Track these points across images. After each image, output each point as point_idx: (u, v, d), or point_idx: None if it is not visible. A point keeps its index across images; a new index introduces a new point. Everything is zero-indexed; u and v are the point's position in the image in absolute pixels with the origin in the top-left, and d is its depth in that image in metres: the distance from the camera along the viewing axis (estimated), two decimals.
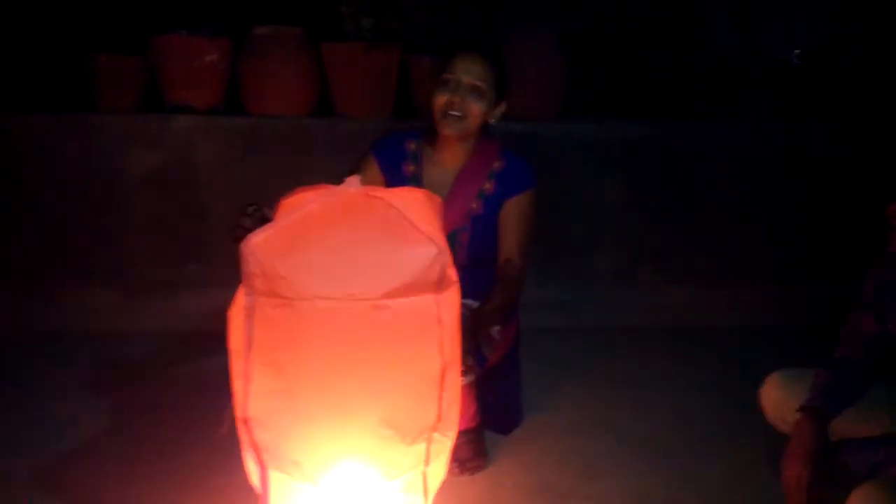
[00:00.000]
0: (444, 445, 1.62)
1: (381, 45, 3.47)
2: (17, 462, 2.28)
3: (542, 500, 2.20)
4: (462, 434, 2.19)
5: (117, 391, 2.78)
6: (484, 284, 2.24)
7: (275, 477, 1.53)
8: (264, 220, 1.74)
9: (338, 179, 1.58)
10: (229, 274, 1.58)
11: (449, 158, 2.33)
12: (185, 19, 3.53)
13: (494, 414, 2.45)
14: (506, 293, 2.23)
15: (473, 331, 2.06)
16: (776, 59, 3.99)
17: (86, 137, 3.39)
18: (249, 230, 1.53)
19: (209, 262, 3.45)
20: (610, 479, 2.30)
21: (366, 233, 1.49)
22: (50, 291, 3.42)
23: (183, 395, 2.73)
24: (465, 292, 1.70)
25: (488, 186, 2.32)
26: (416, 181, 2.30)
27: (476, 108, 2.24)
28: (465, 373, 1.84)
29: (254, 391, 1.46)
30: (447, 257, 1.50)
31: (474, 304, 2.19)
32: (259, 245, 1.44)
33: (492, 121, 2.31)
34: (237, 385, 1.48)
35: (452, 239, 2.23)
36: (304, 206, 1.51)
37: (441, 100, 2.22)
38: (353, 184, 1.55)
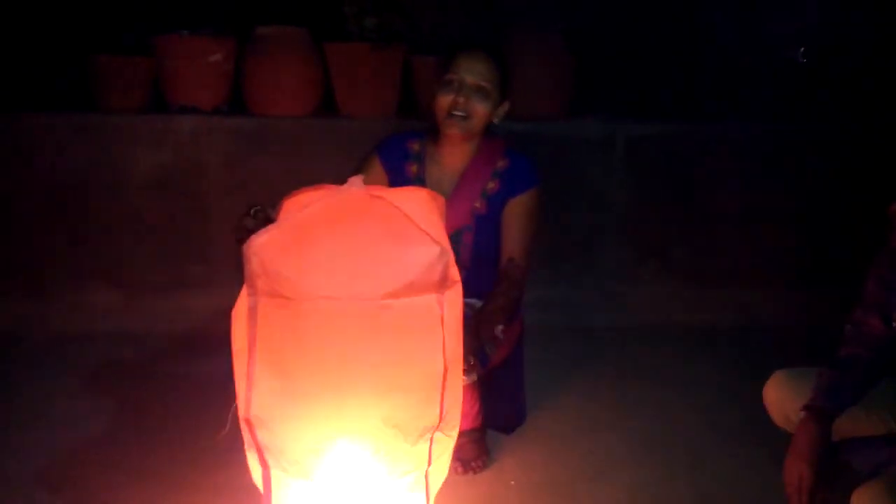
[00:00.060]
0: (447, 445, 1.62)
1: (385, 45, 3.47)
2: (17, 462, 2.29)
3: (545, 499, 2.20)
4: (465, 433, 2.20)
5: (118, 391, 2.79)
6: (487, 284, 2.24)
7: (277, 476, 1.53)
8: (267, 220, 1.75)
9: (342, 179, 1.58)
10: (232, 274, 1.58)
11: (452, 158, 2.33)
12: (187, 19, 3.53)
13: (497, 413, 2.45)
14: (509, 292, 2.23)
15: (477, 330, 2.06)
16: (781, 58, 3.98)
17: (89, 138, 3.40)
18: (252, 231, 1.53)
19: (212, 262, 3.45)
20: (612, 477, 2.30)
21: (368, 233, 1.49)
22: (52, 291, 3.43)
23: (185, 396, 2.73)
24: (469, 292, 1.70)
25: (492, 186, 2.32)
26: (419, 181, 2.30)
27: (481, 108, 2.24)
28: (467, 372, 1.85)
29: (256, 391, 1.46)
30: (450, 257, 1.50)
31: (478, 303, 2.20)
32: (262, 245, 1.44)
33: (495, 120, 2.31)
34: (240, 385, 1.48)
35: (456, 238, 2.23)
36: (306, 206, 1.51)
37: (445, 100, 2.22)
38: (355, 184, 1.55)
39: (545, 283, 3.46)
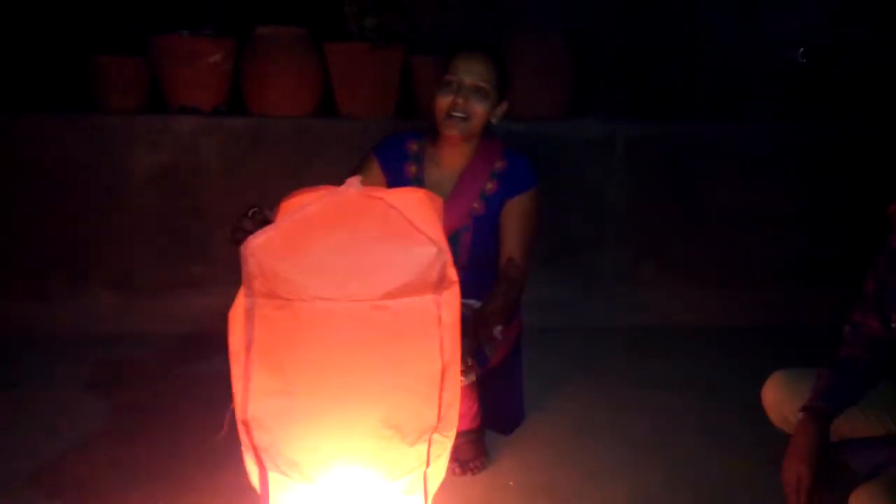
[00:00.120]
0: (444, 446, 1.62)
1: (385, 45, 3.47)
2: (16, 462, 2.29)
3: (543, 500, 2.20)
4: (463, 434, 2.20)
5: (117, 392, 2.79)
6: (486, 285, 2.24)
7: (274, 478, 1.53)
8: (265, 221, 1.75)
9: (340, 180, 1.58)
10: (230, 275, 1.58)
11: (451, 159, 2.33)
12: (187, 19, 3.53)
13: (496, 414, 2.45)
14: (508, 293, 2.23)
15: (475, 331, 2.06)
16: (781, 58, 3.98)
17: (89, 138, 3.39)
18: (250, 232, 1.53)
19: (211, 263, 3.45)
20: (611, 478, 2.30)
21: (366, 233, 1.49)
22: (51, 292, 3.43)
23: (183, 396, 2.73)
24: (467, 293, 1.70)
25: (490, 186, 2.32)
26: (417, 182, 2.30)
27: (480, 109, 2.24)
28: (465, 373, 1.85)
29: (254, 392, 1.46)
30: (447, 257, 1.49)
31: (476, 304, 2.20)
32: (259, 247, 1.44)
33: (493, 120, 2.31)
34: (237, 386, 1.48)
35: (454, 239, 2.23)
36: (304, 207, 1.51)
37: (444, 101, 2.22)
38: (353, 184, 1.55)
39: (544, 284, 3.45)
